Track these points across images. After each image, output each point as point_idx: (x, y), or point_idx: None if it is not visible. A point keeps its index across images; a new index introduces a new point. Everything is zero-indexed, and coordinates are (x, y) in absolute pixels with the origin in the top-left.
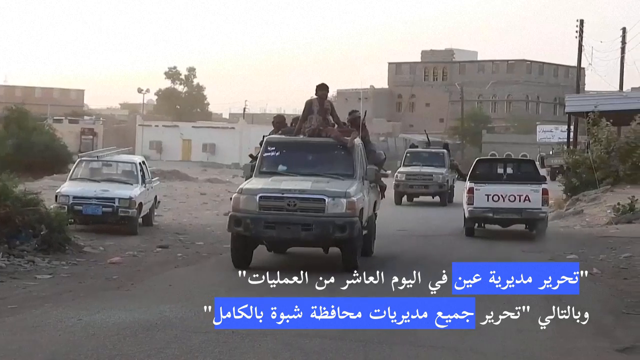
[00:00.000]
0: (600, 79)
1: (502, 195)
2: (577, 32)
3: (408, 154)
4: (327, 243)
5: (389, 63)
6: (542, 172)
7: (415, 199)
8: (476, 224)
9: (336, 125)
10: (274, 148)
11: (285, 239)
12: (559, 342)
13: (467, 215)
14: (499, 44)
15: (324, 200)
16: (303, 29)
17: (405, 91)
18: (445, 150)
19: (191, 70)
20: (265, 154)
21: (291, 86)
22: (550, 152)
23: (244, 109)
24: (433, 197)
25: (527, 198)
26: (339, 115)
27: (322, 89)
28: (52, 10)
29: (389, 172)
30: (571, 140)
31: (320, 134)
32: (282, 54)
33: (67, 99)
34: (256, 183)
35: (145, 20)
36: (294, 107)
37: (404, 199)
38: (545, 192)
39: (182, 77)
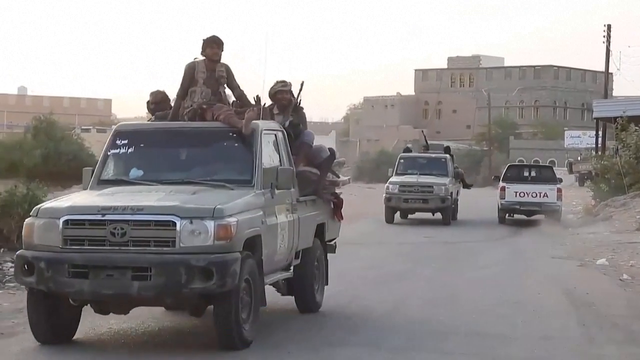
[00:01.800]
0: (628, 84)
1: (526, 192)
2: (604, 36)
3: (402, 160)
4: (180, 301)
5: (416, 70)
6: (571, 177)
7: (409, 216)
8: (507, 214)
9: (233, 103)
10: (126, 142)
11: (105, 296)
12: (587, 348)
13: (499, 207)
14: (526, 50)
15: (174, 223)
16: (329, 38)
17: (432, 98)
18: (447, 156)
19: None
20: (112, 152)
21: (318, 94)
22: (579, 158)
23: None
24: (433, 214)
25: (545, 195)
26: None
27: (211, 45)
28: (80, 21)
29: (347, 178)
30: (599, 145)
31: (204, 115)
32: (309, 62)
33: (94, 109)
34: (75, 199)
35: (170, 29)
36: (321, 115)
37: (397, 215)
38: (559, 190)
39: None
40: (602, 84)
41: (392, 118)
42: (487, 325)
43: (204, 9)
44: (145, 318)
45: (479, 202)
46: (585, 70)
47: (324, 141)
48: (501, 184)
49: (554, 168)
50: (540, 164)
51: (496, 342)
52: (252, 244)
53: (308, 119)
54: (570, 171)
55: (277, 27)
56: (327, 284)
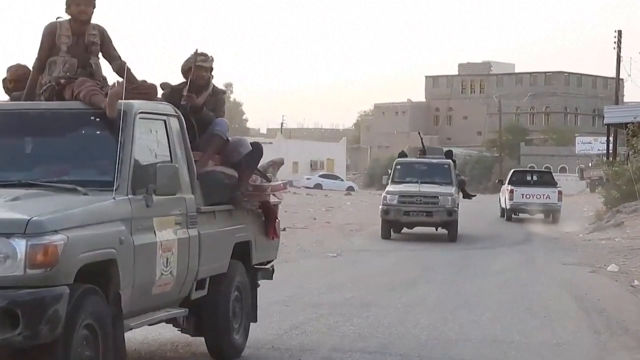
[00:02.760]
0: (639, 90)
1: (531, 194)
2: (615, 43)
3: (398, 166)
4: None
5: (426, 76)
6: (582, 184)
7: (405, 229)
8: (513, 214)
9: (106, 79)
10: None
11: None
12: (599, 354)
13: (508, 207)
14: (536, 56)
15: None
16: (339, 44)
17: (443, 104)
18: (450, 161)
19: (228, 86)
20: None
21: (328, 101)
22: (590, 164)
23: (282, 123)
24: (437, 229)
25: (547, 196)
26: None
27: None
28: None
29: (282, 183)
30: (610, 151)
31: (63, 94)
32: (319, 68)
33: None
34: None
35: (183, 37)
36: (332, 122)
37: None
38: (559, 192)
39: None
40: (613, 90)
41: (402, 125)
42: (498, 332)
43: (224, 17)
44: None
45: (489, 209)
46: (596, 77)
47: (335, 147)
48: (509, 187)
49: (553, 174)
50: (541, 169)
51: (508, 348)
52: (103, 273)
53: (319, 126)
54: (582, 177)
55: (288, 31)
56: (254, 321)
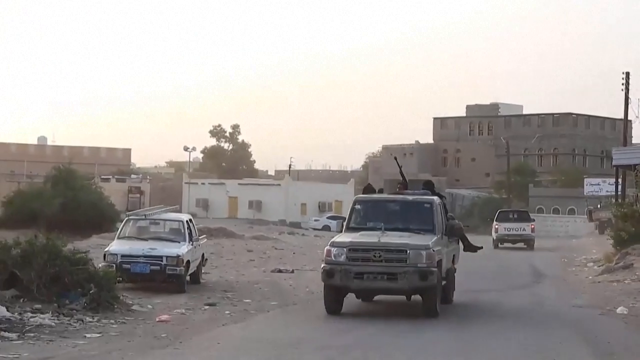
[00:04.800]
0: None
1: (511, 228)
2: (623, 84)
3: (358, 206)
4: None
5: (434, 118)
6: (590, 225)
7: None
8: (499, 243)
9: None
10: None
11: None
12: None
13: (494, 238)
14: (544, 98)
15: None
16: (347, 85)
17: (451, 146)
18: (434, 198)
19: (235, 127)
20: None
21: (336, 142)
22: (598, 206)
23: (290, 165)
24: (408, 298)
25: (523, 229)
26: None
27: None
28: (98, 71)
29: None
30: (619, 193)
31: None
32: (327, 110)
33: (114, 158)
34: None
35: (189, 79)
36: (339, 163)
37: (349, 297)
38: (532, 226)
39: (227, 134)
40: (621, 132)
41: (410, 166)
42: None
43: (232, 60)
44: None
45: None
46: (604, 118)
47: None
48: (495, 223)
49: (529, 213)
50: (520, 209)
51: None
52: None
53: (327, 167)
54: (590, 219)
55: (295, 71)
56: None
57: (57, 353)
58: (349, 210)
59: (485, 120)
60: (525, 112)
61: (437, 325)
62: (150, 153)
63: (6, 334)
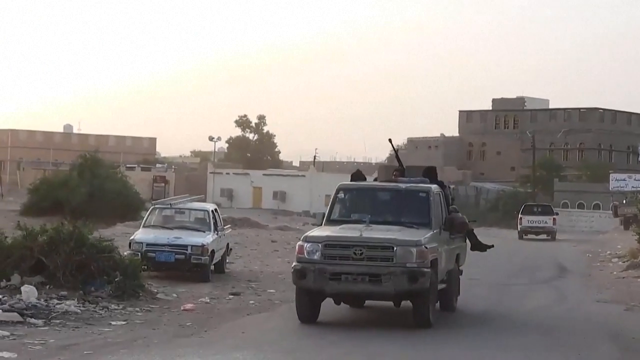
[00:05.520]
0: None
1: (535, 220)
2: None
3: (341, 194)
4: None
5: (460, 111)
6: (615, 221)
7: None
8: (524, 234)
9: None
10: None
11: None
12: None
13: (519, 230)
14: (571, 92)
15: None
16: (372, 77)
17: (476, 139)
18: (432, 187)
19: (261, 118)
20: None
21: (361, 134)
22: (624, 201)
23: (314, 156)
24: (397, 304)
25: (545, 222)
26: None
27: None
28: (125, 60)
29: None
30: None
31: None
32: (352, 101)
33: (139, 147)
34: None
35: (216, 69)
36: (364, 155)
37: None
38: (554, 219)
39: (253, 125)
40: None
41: (436, 159)
42: None
43: (259, 50)
44: None
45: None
46: (631, 113)
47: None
48: (520, 216)
49: (552, 207)
50: (544, 203)
51: None
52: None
53: (351, 159)
54: (615, 214)
55: (321, 62)
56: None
57: (83, 340)
58: (331, 199)
59: (511, 114)
60: (551, 106)
61: (461, 317)
62: (176, 143)
63: (32, 320)
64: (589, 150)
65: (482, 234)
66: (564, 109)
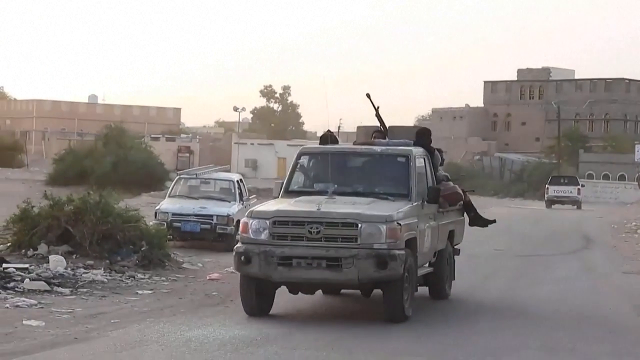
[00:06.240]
0: None
1: (561, 190)
2: None
3: (303, 160)
4: None
5: (485, 81)
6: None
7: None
8: (551, 204)
9: None
10: None
11: None
12: None
13: (546, 199)
14: (596, 63)
15: None
16: (397, 47)
17: (501, 110)
18: (412, 150)
19: (286, 88)
20: None
21: (385, 104)
22: None
23: (339, 127)
24: (365, 294)
25: (571, 192)
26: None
27: None
28: (149, 31)
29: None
30: None
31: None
32: (376, 72)
33: (164, 117)
34: None
35: (241, 39)
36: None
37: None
38: (579, 189)
39: (277, 95)
40: None
41: (460, 130)
42: (557, 340)
43: (282, 20)
44: (246, 331)
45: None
46: None
47: None
48: (547, 186)
49: (578, 179)
50: (569, 175)
51: (566, 357)
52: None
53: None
54: None
55: (345, 33)
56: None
57: (110, 309)
58: (290, 166)
59: (537, 85)
60: (577, 76)
61: (487, 289)
62: (200, 113)
63: (59, 289)
64: (614, 121)
65: (507, 205)
66: (590, 80)
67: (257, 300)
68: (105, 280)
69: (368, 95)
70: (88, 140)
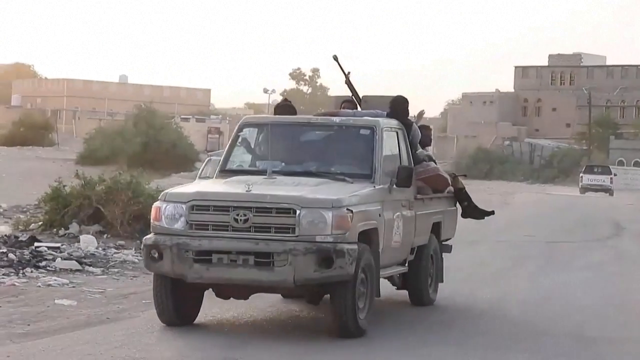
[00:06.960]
0: None
1: (595, 179)
2: None
3: (245, 132)
4: None
5: (515, 67)
6: None
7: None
8: (585, 191)
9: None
10: None
11: None
12: None
13: (580, 187)
14: (628, 49)
15: None
16: (427, 32)
17: (532, 95)
18: (379, 121)
19: (315, 71)
20: None
21: (413, 88)
22: None
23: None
24: (312, 301)
25: (604, 180)
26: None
27: None
28: (182, 12)
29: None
30: None
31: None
32: (405, 56)
33: (194, 99)
34: None
35: (270, 20)
36: (418, 109)
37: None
38: (611, 178)
39: (307, 77)
40: None
41: (490, 115)
42: (585, 327)
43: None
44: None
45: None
46: None
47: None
48: (582, 175)
49: (611, 168)
50: (602, 164)
51: (594, 344)
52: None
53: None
54: None
55: (377, 18)
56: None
57: (141, 289)
58: (230, 140)
59: (568, 70)
60: (608, 63)
61: (514, 275)
62: (230, 95)
63: (91, 269)
64: None
65: (537, 191)
66: (621, 66)
67: (174, 305)
68: (136, 260)
69: (335, 58)
70: (118, 120)
